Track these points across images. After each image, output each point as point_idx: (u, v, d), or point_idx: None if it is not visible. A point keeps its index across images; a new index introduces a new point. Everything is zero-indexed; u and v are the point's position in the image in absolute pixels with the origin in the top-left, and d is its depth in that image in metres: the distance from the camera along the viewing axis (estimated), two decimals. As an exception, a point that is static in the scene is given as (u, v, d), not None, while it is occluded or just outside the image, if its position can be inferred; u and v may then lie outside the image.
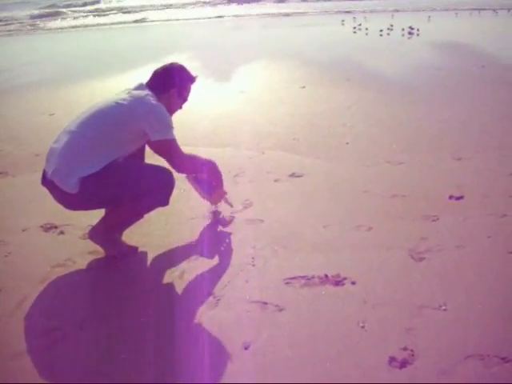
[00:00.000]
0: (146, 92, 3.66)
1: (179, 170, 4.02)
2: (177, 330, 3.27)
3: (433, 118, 7.19)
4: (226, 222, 4.41)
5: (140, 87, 3.75)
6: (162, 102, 3.68)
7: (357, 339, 3.12)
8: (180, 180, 4.95)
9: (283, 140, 6.43)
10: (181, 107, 4.08)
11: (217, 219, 4.47)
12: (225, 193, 4.39)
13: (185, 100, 4.06)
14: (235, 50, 11.33)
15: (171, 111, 3.86)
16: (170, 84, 3.84)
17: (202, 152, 5.40)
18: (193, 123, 7.11)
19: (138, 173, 3.82)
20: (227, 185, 4.94)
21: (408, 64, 11.30)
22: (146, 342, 3.20)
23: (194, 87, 4.16)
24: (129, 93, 3.72)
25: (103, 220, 3.99)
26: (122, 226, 4.05)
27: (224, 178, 4.60)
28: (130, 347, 3.15)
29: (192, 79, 4.05)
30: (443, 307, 3.35)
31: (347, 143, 6.30)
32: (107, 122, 3.68)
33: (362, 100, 8.23)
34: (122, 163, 3.74)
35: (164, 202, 3.93)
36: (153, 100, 3.61)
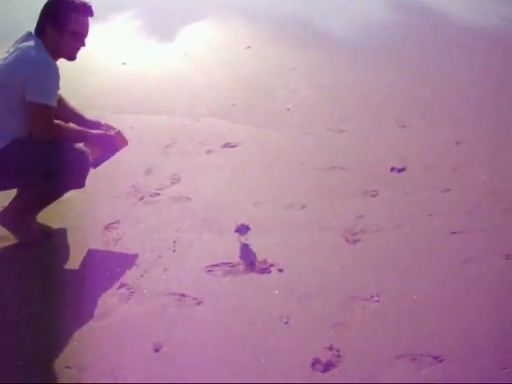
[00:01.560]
0: (31, 43, 3.11)
1: (43, 137, 3.29)
2: (83, 328, 2.95)
3: (380, 82, 6.87)
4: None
5: (27, 38, 3.17)
6: (49, 50, 3.14)
7: (278, 338, 2.85)
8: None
9: (221, 105, 6.06)
10: (76, 49, 3.32)
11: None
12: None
13: (78, 38, 3.26)
14: (181, 7, 10.77)
15: (63, 55, 3.29)
16: (46, 19, 3.18)
17: (132, 120, 5.11)
18: (128, 88, 6.67)
19: (48, 150, 3.35)
20: (157, 156, 4.64)
21: (359, 22, 10.89)
22: (48, 343, 2.87)
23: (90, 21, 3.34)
24: (15, 48, 3.14)
25: (13, 203, 3.60)
26: (33, 210, 3.66)
27: (154, 148, 4.27)
28: (30, 348, 2.82)
29: (79, 8, 3.18)
30: (375, 298, 3.10)
31: (288, 109, 5.95)
32: None
33: (308, 61, 7.85)
34: (31, 140, 3.32)
35: (79, 184, 3.54)
36: (36, 52, 3.07)
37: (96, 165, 3.67)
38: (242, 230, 3.50)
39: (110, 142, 3.65)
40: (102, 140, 3.62)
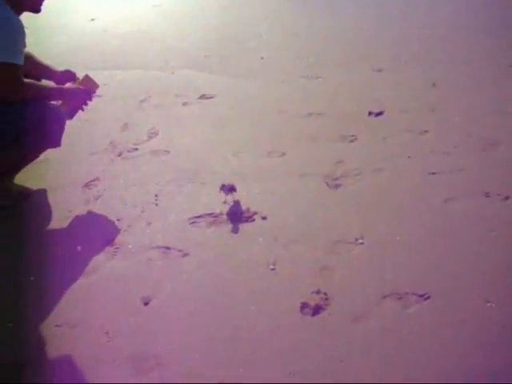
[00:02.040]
0: None
1: (12, 96, 3.17)
2: (70, 286, 2.94)
3: (354, 28, 6.82)
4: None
5: None
6: (10, 3, 3.00)
7: (266, 285, 2.87)
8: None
9: (194, 57, 5.98)
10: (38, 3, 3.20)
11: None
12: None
13: None
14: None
15: (26, 7, 3.17)
16: None
17: (106, 76, 5.02)
18: (99, 44, 6.53)
19: (17, 112, 3.24)
20: (133, 111, 4.58)
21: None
22: (36, 303, 2.85)
23: None
24: None
25: None
26: (10, 172, 3.58)
27: (130, 104, 4.21)
28: (19, 310, 2.82)
29: None
30: (360, 241, 3.12)
31: (262, 58, 5.89)
32: None
33: (280, 9, 7.74)
34: None
35: (55, 143, 3.48)
36: None
37: (72, 115, 3.62)
38: (226, 189, 3.42)
39: (82, 95, 3.58)
40: (74, 94, 3.55)
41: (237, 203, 3.44)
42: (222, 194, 3.42)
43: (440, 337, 2.56)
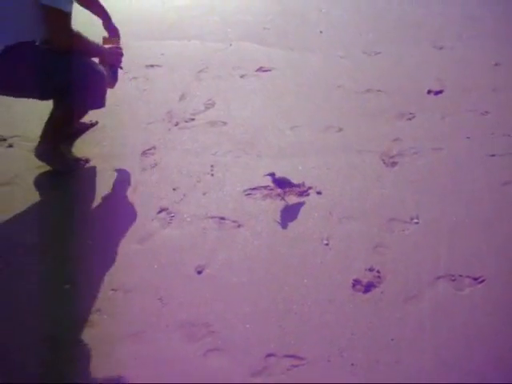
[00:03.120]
0: None
1: (60, 44, 3.11)
2: (126, 252, 3.00)
3: (415, 3, 6.66)
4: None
5: None
6: None
7: (319, 259, 2.88)
8: (139, 80, 4.60)
9: (252, 30, 5.94)
10: None
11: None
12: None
13: None
14: None
15: None
16: None
17: (163, 46, 5.05)
18: (157, 15, 6.53)
19: (65, 62, 3.17)
20: (191, 81, 4.59)
21: None
22: (93, 266, 2.93)
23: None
24: None
25: (42, 134, 3.56)
26: (62, 136, 3.60)
27: (187, 74, 4.23)
28: (76, 273, 2.89)
29: None
30: (415, 220, 3.09)
31: (321, 32, 5.81)
32: None
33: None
34: (42, 47, 3.14)
35: (98, 103, 3.45)
36: None
37: (116, 77, 3.64)
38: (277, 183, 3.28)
39: (119, 55, 3.59)
40: (112, 54, 3.54)
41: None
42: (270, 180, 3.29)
43: (493, 321, 2.54)
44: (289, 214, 3.16)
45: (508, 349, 2.40)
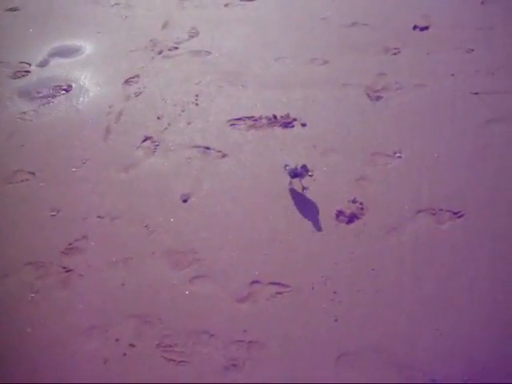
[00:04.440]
0: None
1: None
2: (112, 180, 3.02)
3: None
4: None
5: None
6: None
7: (304, 190, 2.91)
8: (121, 6, 4.50)
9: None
10: None
11: None
12: None
13: None
14: None
15: None
16: None
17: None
18: None
19: None
20: (174, 9, 4.50)
21: None
22: (78, 194, 2.96)
23: None
24: None
25: None
26: None
27: (170, 2, 4.24)
28: (61, 200, 2.90)
29: None
30: (398, 154, 3.13)
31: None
32: None
33: None
34: None
35: None
36: None
37: None
38: (303, 173, 2.89)
39: None
40: None
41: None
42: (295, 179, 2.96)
43: (471, 254, 2.60)
44: (273, 146, 3.16)
45: (485, 279, 2.48)
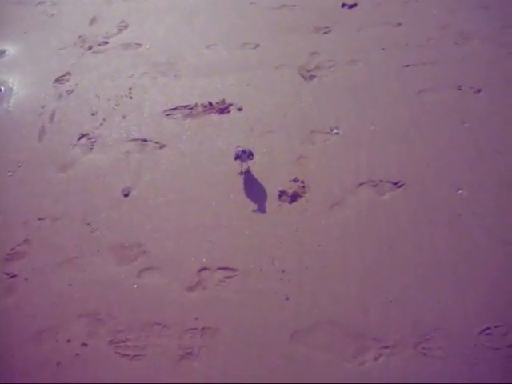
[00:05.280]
0: None
1: None
2: (49, 181, 2.96)
3: None
4: None
5: None
6: None
7: (242, 175, 2.91)
8: (46, 4, 4.41)
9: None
10: None
11: None
12: None
13: None
14: None
15: None
16: None
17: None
18: None
19: None
20: (100, 4, 4.44)
21: None
22: (16, 198, 2.90)
23: None
24: None
25: None
26: None
27: None
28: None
29: None
30: (335, 131, 3.15)
31: None
32: None
33: None
34: None
35: None
36: None
37: None
38: (244, 157, 2.91)
39: None
40: None
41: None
42: (238, 162, 2.95)
43: (414, 223, 2.66)
44: (211, 132, 3.16)
45: (429, 246, 2.53)
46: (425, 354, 2.23)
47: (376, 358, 2.24)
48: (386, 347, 2.25)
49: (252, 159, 2.92)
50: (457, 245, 2.56)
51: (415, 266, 2.50)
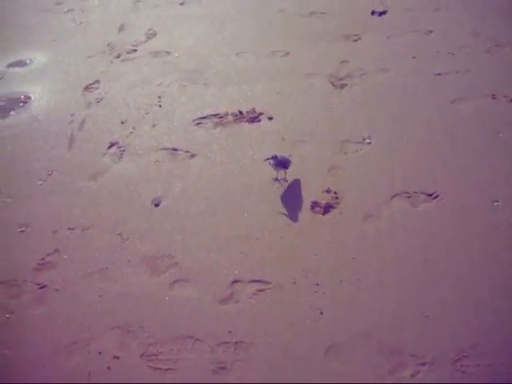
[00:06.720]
0: None
1: None
2: (80, 190, 2.95)
3: None
4: None
5: None
6: None
7: (277, 183, 2.89)
8: (75, 12, 4.42)
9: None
10: None
11: None
12: None
13: None
14: None
15: None
16: None
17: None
18: None
19: None
20: (128, 11, 4.44)
21: None
22: (46, 207, 2.88)
23: None
24: None
25: None
26: None
27: (124, 4, 4.38)
28: (30, 215, 2.82)
29: None
30: (367, 140, 3.11)
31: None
32: None
33: None
34: None
35: None
36: None
37: None
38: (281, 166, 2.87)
39: None
40: None
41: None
42: (272, 166, 2.89)
43: (449, 235, 2.61)
44: (241, 142, 3.13)
45: (463, 259, 2.48)
46: (463, 372, 2.17)
47: (413, 375, 2.17)
48: (424, 364, 2.18)
49: (287, 168, 2.87)
50: (493, 258, 2.50)
51: (451, 279, 2.43)
